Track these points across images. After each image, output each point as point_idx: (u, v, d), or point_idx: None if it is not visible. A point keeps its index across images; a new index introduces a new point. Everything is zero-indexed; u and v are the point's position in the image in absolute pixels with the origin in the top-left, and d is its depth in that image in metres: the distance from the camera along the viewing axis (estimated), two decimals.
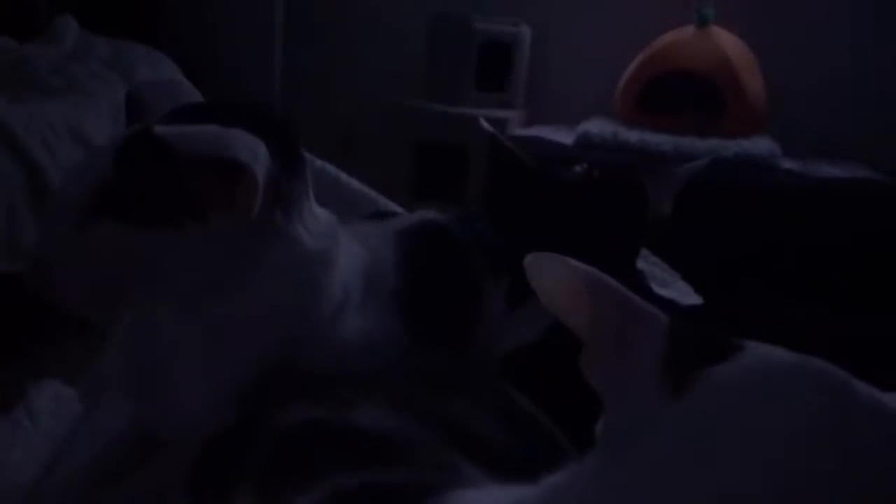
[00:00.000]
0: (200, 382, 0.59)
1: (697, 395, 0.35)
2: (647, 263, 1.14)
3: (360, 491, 0.42)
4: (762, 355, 0.36)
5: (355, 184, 1.24)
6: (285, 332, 0.61)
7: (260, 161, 0.54)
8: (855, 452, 0.32)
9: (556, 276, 0.40)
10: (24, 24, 2.24)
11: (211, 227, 0.56)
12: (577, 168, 0.99)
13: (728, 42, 2.08)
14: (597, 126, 2.09)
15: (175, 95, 0.67)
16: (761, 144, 2.01)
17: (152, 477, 0.61)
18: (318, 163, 1.23)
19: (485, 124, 0.80)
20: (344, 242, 0.66)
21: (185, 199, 0.55)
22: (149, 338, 0.62)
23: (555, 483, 0.38)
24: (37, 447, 0.70)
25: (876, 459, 0.32)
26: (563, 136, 2.13)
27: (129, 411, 0.68)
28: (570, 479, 0.38)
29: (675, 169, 0.76)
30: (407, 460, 0.45)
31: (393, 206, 1.20)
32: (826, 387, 0.34)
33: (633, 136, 2.02)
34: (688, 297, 1.06)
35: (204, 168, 0.54)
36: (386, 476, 0.43)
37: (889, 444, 0.32)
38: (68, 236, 0.55)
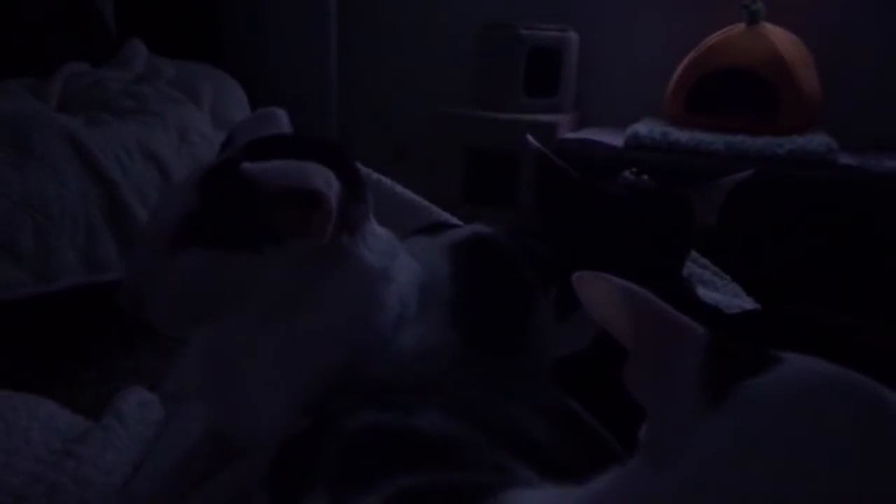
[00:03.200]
0: (274, 392, 0.64)
1: (736, 407, 0.36)
2: (697, 266, 1.16)
3: (421, 491, 0.45)
4: (800, 368, 0.37)
5: (410, 195, 1.28)
6: (351, 344, 0.65)
7: (334, 190, 0.59)
8: (889, 465, 0.33)
9: (599, 294, 0.42)
10: (97, 49, 2.36)
11: (287, 251, 0.62)
12: (627, 173, 1.02)
13: (780, 38, 2.05)
14: (646, 127, 2.09)
15: (267, 126, 0.72)
16: (817, 140, 1.97)
17: (231, 480, 0.66)
18: (375, 176, 1.28)
19: (531, 140, 0.83)
20: (402, 258, 0.71)
21: (265, 226, 0.61)
22: (225, 350, 0.67)
23: (598, 487, 0.40)
24: (126, 450, 0.75)
25: None
26: (614, 138, 2.14)
27: (208, 417, 0.73)
28: (613, 484, 0.40)
29: (719, 180, 0.77)
30: (465, 462, 0.48)
31: (446, 216, 1.24)
32: (863, 401, 0.35)
33: (683, 136, 2.02)
34: (737, 299, 1.07)
35: (284, 198, 0.59)
36: (445, 476, 0.46)
37: None
38: (158, 262, 0.61)
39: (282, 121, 0.73)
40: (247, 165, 0.58)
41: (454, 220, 1.22)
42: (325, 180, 0.59)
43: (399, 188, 1.28)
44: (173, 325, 0.65)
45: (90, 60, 2.27)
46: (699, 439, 0.36)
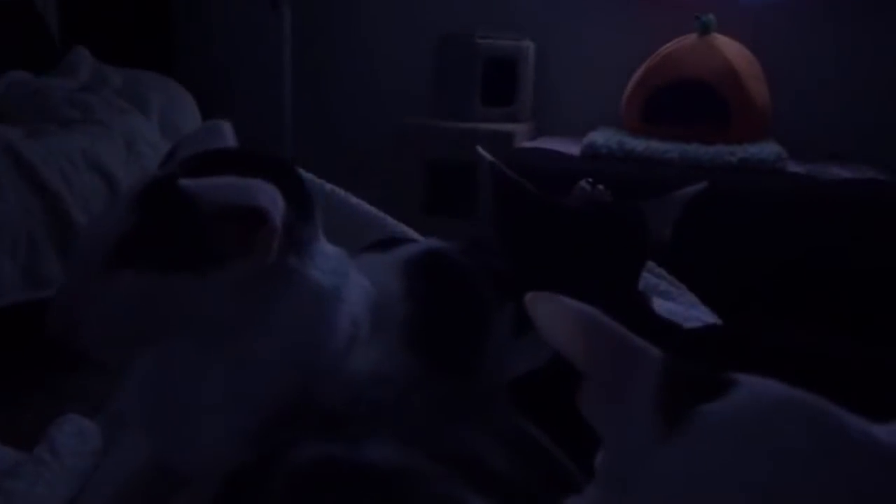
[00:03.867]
0: (219, 420, 0.61)
1: (690, 433, 0.35)
2: (653, 276, 1.15)
3: None
4: (755, 392, 0.37)
5: (365, 207, 1.25)
6: (300, 368, 0.63)
7: (278, 208, 0.56)
8: (846, 489, 0.33)
9: (551, 315, 0.41)
10: (39, 57, 2.29)
11: (231, 272, 0.59)
12: (583, 183, 1.01)
13: (730, 49, 2.09)
14: (603, 136, 2.11)
15: (211, 140, 0.69)
16: (767, 149, 2.01)
17: None
18: (328, 187, 1.25)
19: (483, 153, 0.82)
20: (353, 277, 0.68)
21: (206, 246, 0.58)
22: (168, 375, 0.64)
23: None
24: (59, 483, 0.71)
25: (867, 494, 0.33)
26: (570, 148, 2.15)
27: (149, 447, 0.70)
28: None
29: (673, 193, 0.77)
30: (418, 495, 0.47)
31: (402, 229, 1.22)
32: (818, 423, 0.35)
33: (639, 145, 2.04)
34: (693, 308, 1.07)
35: (226, 216, 0.56)
36: None
37: (880, 479, 0.33)
38: (91, 283, 0.58)
39: (227, 134, 0.70)
40: (185, 182, 0.55)
41: (411, 233, 1.20)
42: (268, 197, 0.56)
43: (353, 200, 1.25)
44: (109, 352, 0.62)
45: (32, 68, 2.20)
46: (654, 466, 0.35)
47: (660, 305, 1.01)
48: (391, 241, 0.87)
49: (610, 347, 0.39)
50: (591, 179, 0.93)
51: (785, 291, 1.84)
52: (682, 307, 1.05)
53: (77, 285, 0.59)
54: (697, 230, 1.32)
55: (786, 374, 0.38)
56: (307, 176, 1.23)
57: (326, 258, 0.66)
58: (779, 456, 0.33)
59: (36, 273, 1.75)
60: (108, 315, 0.58)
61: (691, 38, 2.14)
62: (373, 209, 1.26)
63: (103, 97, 2.12)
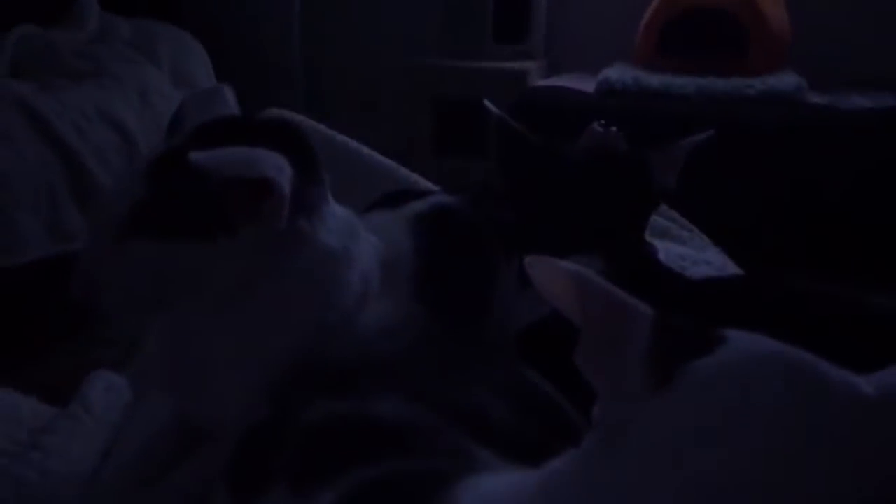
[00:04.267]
0: (233, 379, 0.64)
1: (681, 389, 0.36)
2: (665, 219, 1.15)
3: (380, 482, 0.46)
4: (741, 347, 0.38)
5: (376, 157, 1.25)
6: (311, 327, 0.65)
7: (286, 176, 0.58)
8: (829, 439, 0.34)
9: (548, 277, 0.42)
10: (46, 9, 2.27)
11: (242, 238, 0.61)
12: (596, 125, 1.00)
13: None
14: (617, 72, 2.07)
15: (214, 108, 0.70)
16: (787, 79, 1.97)
17: (195, 469, 0.66)
18: (340, 138, 1.26)
19: (490, 106, 0.82)
20: (362, 235, 0.70)
21: (216, 215, 0.60)
22: (184, 336, 0.67)
23: (552, 470, 0.41)
24: (94, 438, 0.75)
25: (850, 446, 0.34)
26: (585, 84, 2.12)
27: (171, 402, 0.73)
28: (566, 465, 0.40)
29: (679, 142, 0.77)
30: (424, 448, 0.49)
31: (414, 178, 1.22)
32: (800, 378, 0.36)
33: (654, 80, 2.00)
34: (704, 251, 1.07)
35: (234, 186, 0.58)
36: (404, 465, 0.47)
37: (861, 430, 0.34)
38: (108, 251, 0.60)
39: (228, 98, 0.71)
40: (195, 155, 0.56)
41: (422, 182, 1.20)
42: (276, 167, 0.57)
43: (365, 150, 1.26)
44: (128, 314, 0.64)
45: (40, 21, 2.18)
46: (646, 422, 0.37)
47: (670, 249, 1.02)
48: (401, 195, 0.88)
49: (602, 306, 0.40)
50: (603, 121, 0.93)
51: (805, 227, 1.82)
52: (692, 250, 1.06)
53: (95, 252, 0.61)
54: (716, 167, 1.32)
55: (780, 328, 0.39)
56: (318, 127, 1.24)
57: (336, 219, 0.67)
58: (762, 411, 0.35)
59: (59, 227, 1.78)
60: (124, 280, 0.60)
61: None
62: (384, 159, 1.26)
63: (113, 49, 2.12)
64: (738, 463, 0.34)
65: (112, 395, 0.83)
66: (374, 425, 0.50)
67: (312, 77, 2.65)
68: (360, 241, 0.69)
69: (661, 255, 0.82)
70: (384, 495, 0.45)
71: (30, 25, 2.13)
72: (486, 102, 0.81)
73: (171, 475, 0.66)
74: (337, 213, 0.68)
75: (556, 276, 0.42)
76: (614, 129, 0.92)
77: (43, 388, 0.88)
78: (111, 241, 0.60)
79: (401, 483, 0.46)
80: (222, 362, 0.64)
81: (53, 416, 0.78)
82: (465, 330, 0.73)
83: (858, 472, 0.34)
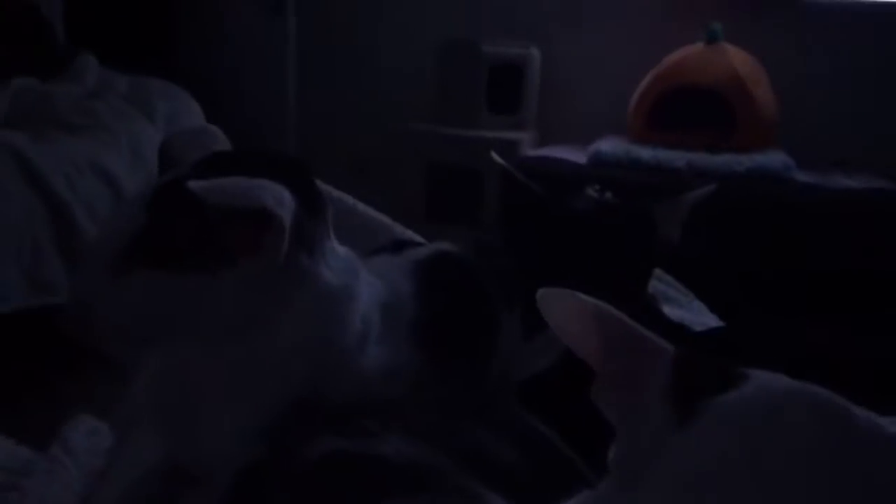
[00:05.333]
0: (228, 418, 0.61)
1: (703, 425, 0.36)
2: (662, 283, 1.16)
3: None
4: (766, 385, 0.37)
5: (371, 213, 1.26)
6: (310, 366, 0.63)
7: (286, 208, 0.57)
8: (854, 478, 0.33)
9: (565, 311, 0.42)
10: (45, 63, 2.30)
11: (239, 271, 0.59)
12: (590, 190, 1.01)
13: (737, 57, 2.10)
14: (609, 144, 2.11)
15: (205, 144, 0.69)
16: (775, 158, 2.01)
17: None
18: (335, 193, 1.26)
19: (496, 157, 0.82)
20: (363, 276, 0.68)
21: (215, 246, 0.58)
22: (177, 374, 0.64)
23: None
24: (74, 482, 0.72)
25: (875, 485, 0.33)
26: (576, 156, 2.15)
27: (160, 445, 0.70)
28: None
29: (682, 196, 0.77)
30: (429, 487, 0.47)
31: (409, 234, 1.22)
32: (826, 414, 0.35)
33: (645, 153, 2.04)
34: (702, 316, 1.07)
35: (233, 217, 0.57)
36: (411, 503, 0.45)
37: (887, 469, 0.33)
38: (104, 283, 0.58)
39: (219, 137, 0.71)
40: (192, 183, 0.55)
41: (417, 238, 1.20)
42: (276, 198, 0.56)
43: (361, 206, 1.26)
44: (122, 349, 0.62)
45: (38, 75, 2.21)
46: (668, 458, 0.36)
47: (669, 313, 1.01)
48: (401, 244, 0.87)
49: (623, 340, 0.40)
50: (598, 186, 0.94)
51: (793, 301, 1.83)
52: (691, 314, 1.05)
53: (90, 284, 0.59)
54: (706, 239, 1.34)
55: (793, 370, 0.38)
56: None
57: (337, 257, 0.66)
58: (788, 447, 0.34)
59: (40, 279, 1.76)
60: (119, 313, 0.59)
61: (699, 46, 2.14)
62: (379, 215, 1.27)
63: (109, 103, 2.14)
64: (763, 500, 0.33)
65: (94, 439, 0.80)
66: (379, 463, 0.48)
67: (306, 138, 2.68)
68: (360, 281, 0.67)
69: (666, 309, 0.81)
70: None
71: (29, 78, 2.15)
72: (493, 154, 0.82)
73: None
74: (338, 251, 0.67)
75: (572, 309, 0.42)
76: (609, 193, 0.93)
77: (18, 436, 0.84)
78: (109, 271, 0.58)
79: None
80: (216, 401, 0.62)
81: (32, 458, 0.75)
82: (466, 376, 0.71)
83: None
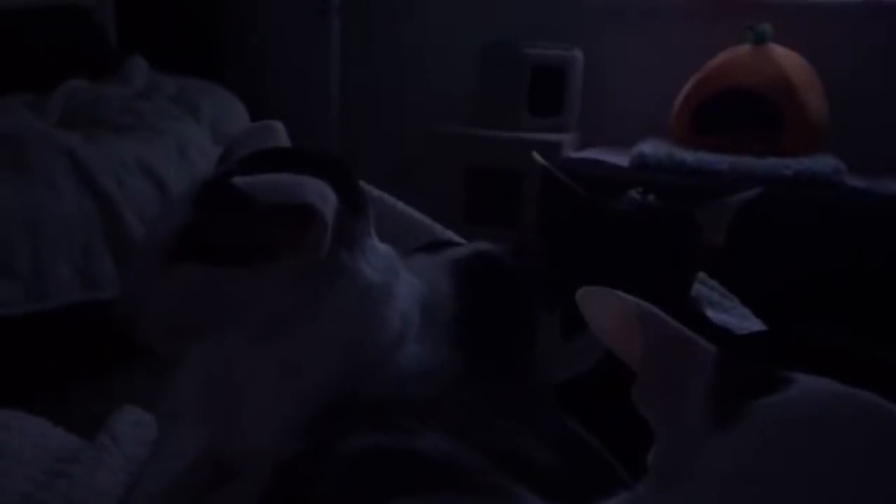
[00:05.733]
0: (270, 412, 0.62)
1: (746, 427, 0.35)
2: (706, 287, 1.14)
3: None
4: (812, 388, 0.36)
5: (412, 212, 1.26)
6: (349, 363, 0.64)
7: (329, 205, 0.57)
8: None
9: (606, 310, 0.41)
10: (97, 65, 2.36)
11: (284, 266, 0.60)
12: (633, 192, 1.00)
13: (786, 59, 2.05)
14: (652, 147, 2.09)
15: (269, 140, 0.71)
16: (824, 162, 1.97)
17: (225, 502, 0.64)
18: (376, 193, 1.26)
19: (538, 157, 0.82)
20: (403, 275, 0.69)
21: (260, 242, 0.59)
22: (220, 368, 0.66)
23: None
24: (120, 470, 0.73)
25: None
26: (619, 158, 2.13)
27: (203, 438, 0.71)
28: None
29: (727, 198, 0.76)
30: (466, 484, 0.47)
31: (449, 234, 1.22)
32: (873, 418, 0.34)
33: (688, 156, 2.01)
34: (746, 321, 1.05)
35: (278, 213, 0.58)
36: (448, 500, 0.45)
37: None
38: (152, 277, 0.60)
39: (280, 134, 0.72)
40: (238, 179, 0.56)
41: (457, 238, 1.20)
42: (319, 195, 0.57)
43: (401, 206, 1.27)
44: (168, 343, 0.64)
45: (91, 76, 2.27)
46: (709, 460, 0.35)
47: (712, 317, 1.00)
48: (440, 244, 0.88)
49: (665, 340, 0.39)
50: (641, 189, 0.93)
51: (842, 308, 1.79)
52: (734, 319, 1.03)
53: (139, 279, 0.61)
54: (753, 244, 1.31)
55: (838, 376, 0.37)
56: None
57: (378, 255, 0.67)
58: (834, 450, 0.33)
59: (90, 275, 1.80)
60: (166, 307, 0.60)
61: (745, 48, 2.10)
62: (420, 215, 1.27)
63: (157, 104, 2.19)
64: (806, 503, 0.32)
65: (140, 430, 0.81)
66: (418, 460, 0.48)
67: (348, 139, 2.71)
68: (400, 280, 0.68)
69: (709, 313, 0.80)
70: None
71: (81, 80, 2.21)
72: (535, 154, 0.82)
73: None
74: (379, 249, 0.68)
75: (614, 309, 0.41)
76: (651, 196, 0.92)
77: (69, 423, 0.87)
78: (156, 265, 0.60)
79: None
80: (258, 395, 0.63)
81: (80, 447, 0.77)
82: (504, 378, 0.71)
83: None
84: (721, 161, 1.97)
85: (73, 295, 1.77)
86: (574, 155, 2.25)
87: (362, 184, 1.27)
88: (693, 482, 0.35)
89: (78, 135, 1.92)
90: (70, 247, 1.78)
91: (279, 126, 0.73)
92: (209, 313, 0.61)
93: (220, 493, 0.65)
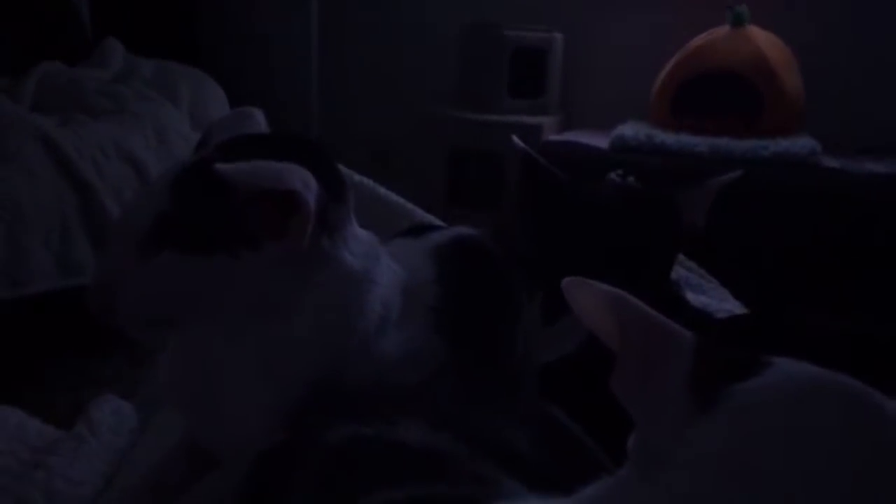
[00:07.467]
0: (250, 400, 0.62)
1: (726, 412, 0.35)
2: (684, 269, 1.15)
3: None
4: (790, 372, 0.37)
5: (392, 197, 1.26)
6: (330, 350, 0.63)
7: (312, 192, 0.57)
8: (882, 468, 0.33)
9: (586, 299, 0.42)
10: (72, 47, 2.32)
11: (263, 254, 0.59)
12: (613, 175, 1.01)
13: (764, 40, 2.06)
14: (632, 129, 2.09)
15: (248, 126, 0.70)
16: (801, 143, 1.98)
17: (206, 492, 0.64)
18: (356, 177, 1.26)
19: (517, 141, 0.82)
20: (384, 261, 0.69)
21: (241, 229, 0.59)
22: (200, 356, 0.65)
23: (587, 496, 0.40)
24: (98, 460, 0.73)
25: None
26: (599, 141, 2.13)
27: (183, 426, 0.71)
28: (601, 494, 0.39)
29: (707, 181, 0.76)
30: (449, 474, 0.47)
31: (430, 218, 1.22)
32: (851, 402, 0.35)
33: (668, 138, 2.02)
34: (725, 303, 1.06)
35: (259, 200, 0.57)
36: (430, 489, 0.45)
37: None
38: (129, 263, 0.59)
39: (259, 120, 0.71)
40: (220, 166, 0.56)
41: (438, 223, 1.20)
42: (302, 181, 0.57)
43: (381, 190, 1.26)
44: (145, 330, 0.63)
45: (65, 59, 2.23)
46: (689, 446, 0.36)
47: (692, 299, 1.01)
48: (421, 228, 0.87)
49: (643, 329, 0.40)
50: (621, 171, 0.93)
51: (818, 288, 1.81)
52: (714, 301, 1.04)
53: (115, 265, 0.60)
54: (730, 225, 1.32)
55: (817, 358, 0.38)
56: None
57: (358, 241, 0.66)
58: (815, 434, 0.34)
59: (68, 261, 1.78)
60: (144, 294, 0.59)
61: (724, 29, 2.11)
62: (401, 199, 1.27)
63: (134, 87, 2.15)
64: (786, 488, 0.33)
65: (118, 418, 0.81)
66: (399, 449, 0.49)
67: (329, 122, 2.69)
68: (381, 266, 0.67)
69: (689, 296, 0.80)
70: None
71: (56, 63, 2.17)
72: (514, 138, 0.81)
73: (181, 499, 0.63)
74: (360, 235, 0.67)
75: (594, 299, 0.42)
76: (632, 178, 0.92)
77: (45, 415, 0.86)
78: (134, 253, 0.59)
79: None
80: (238, 383, 0.62)
81: (58, 437, 0.76)
82: (486, 363, 0.71)
83: None
84: (701, 143, 1.98)
85: (52, 281, 1.75)
86: (554, 137, 2.25)
87: (342, 169, 1.27)
88: (673, 467, 0.36)
89: (54, 119, 1.89)
90: (48, 233, 1.75)
91: (258, 112, 0.72)
92: (187, 301, 0.60)
93: (200, 484, 0.65)
